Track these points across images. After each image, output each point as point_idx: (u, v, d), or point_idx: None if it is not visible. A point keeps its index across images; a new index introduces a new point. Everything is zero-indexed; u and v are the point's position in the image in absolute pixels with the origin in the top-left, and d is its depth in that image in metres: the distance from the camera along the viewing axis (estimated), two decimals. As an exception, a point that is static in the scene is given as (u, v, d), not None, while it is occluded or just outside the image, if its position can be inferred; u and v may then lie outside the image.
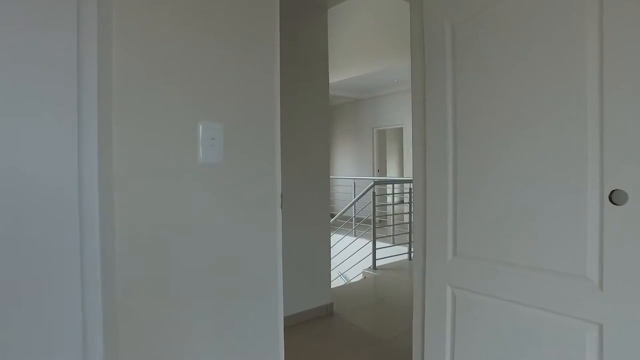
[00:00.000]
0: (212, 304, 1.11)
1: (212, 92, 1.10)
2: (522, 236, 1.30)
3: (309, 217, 3.31)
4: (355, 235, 6.26)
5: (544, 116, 1.24)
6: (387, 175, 10.53)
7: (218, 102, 1.11)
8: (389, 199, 8.98)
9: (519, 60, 1.30)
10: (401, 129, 8.33)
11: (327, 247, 3.48)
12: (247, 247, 1.18)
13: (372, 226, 5.01)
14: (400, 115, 8.18)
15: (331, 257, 6.34)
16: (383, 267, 4.94)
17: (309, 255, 3.31)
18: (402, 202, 9.01)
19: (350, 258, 5.92)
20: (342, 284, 6.15)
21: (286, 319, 1.34)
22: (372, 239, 5.00)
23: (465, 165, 1.47)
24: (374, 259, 4.93)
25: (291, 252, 3.27)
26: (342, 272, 6.39)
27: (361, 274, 5.09)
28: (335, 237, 6.15)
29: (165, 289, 1.02)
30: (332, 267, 6.46)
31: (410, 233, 5.38)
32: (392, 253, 5.26)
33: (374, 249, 4.95)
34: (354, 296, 3.88)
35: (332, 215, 8.04)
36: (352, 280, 5.44)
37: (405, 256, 5.36)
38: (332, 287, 4.48)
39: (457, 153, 1.49)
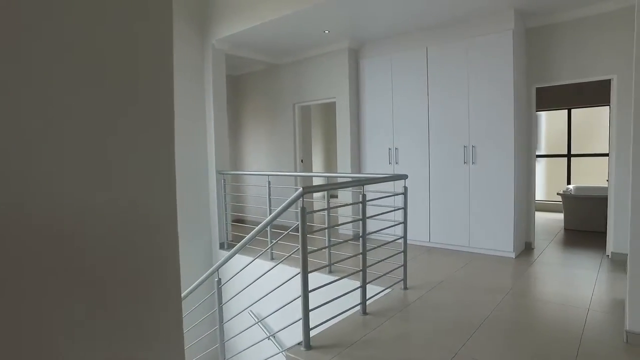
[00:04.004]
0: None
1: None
2: None
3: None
4: (275, 262, 3.93)
5: None
6: (313, 170, 8.29)
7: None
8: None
9: None
10: (333, 103, 6.11)
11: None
12: None
13: (301, 267, 2.70)
14: (332, 84, 5.94)
15: (251, 302, 3.92)
16: (321, 344, 2.69)
17: None
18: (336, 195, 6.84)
19: (279, 311, 3.62)
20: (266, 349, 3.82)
21: None
22: (302, 292, 2.71)
23: None
24: (307, 327, 2.66)
25: None
26: (271, 333, 4.09)
27: (284, 358, 2.78)
28: (261, 266, 3.90)
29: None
30: (255, 321, 4.02)
31: (364, 270, 3.17)
32: (337, 309, 3.03)
33: (306, 310, 2.67)
34: None
35: (250, 229, 5.66)
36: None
37: (357, 308, 3.17)
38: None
39: None
